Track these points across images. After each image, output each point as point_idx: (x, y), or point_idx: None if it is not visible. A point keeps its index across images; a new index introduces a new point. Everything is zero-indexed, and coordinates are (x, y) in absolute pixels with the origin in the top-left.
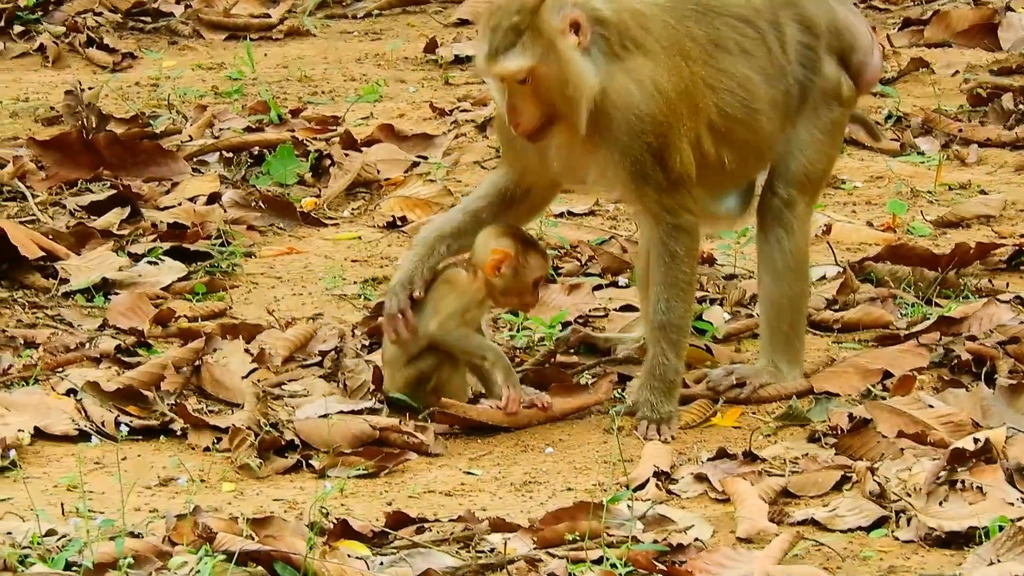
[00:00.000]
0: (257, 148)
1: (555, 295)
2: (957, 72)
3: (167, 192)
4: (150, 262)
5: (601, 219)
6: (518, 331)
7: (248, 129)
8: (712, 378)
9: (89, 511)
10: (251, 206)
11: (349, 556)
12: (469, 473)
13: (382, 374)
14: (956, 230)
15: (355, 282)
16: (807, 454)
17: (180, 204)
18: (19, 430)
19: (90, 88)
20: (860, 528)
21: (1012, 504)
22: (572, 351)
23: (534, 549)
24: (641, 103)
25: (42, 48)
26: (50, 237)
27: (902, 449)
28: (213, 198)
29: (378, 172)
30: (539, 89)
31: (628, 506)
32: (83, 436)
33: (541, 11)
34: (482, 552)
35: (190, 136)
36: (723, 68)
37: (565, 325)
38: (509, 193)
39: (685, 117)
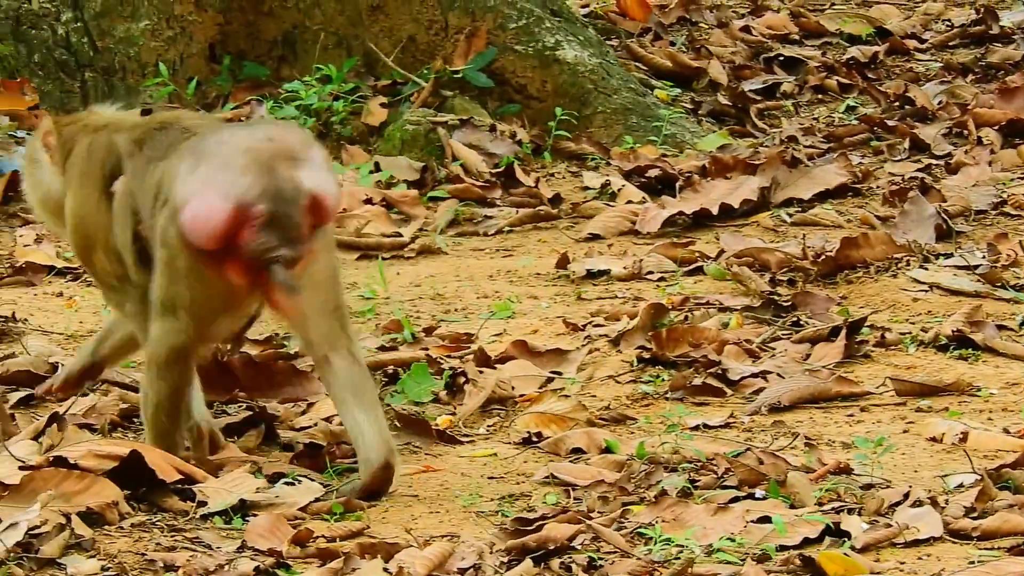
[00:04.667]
0: (392, 367)
1: (698, 514)
2: None
3: (302, 413)
4: (287, 483)
5: (736, 431)
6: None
7: (382, 348)
8: None
9: None
10: None
11: None
12: None
13: None
14: None
15: (492, 499)
16: None
17: (315, 424)
18: None
19: None
20: None
21: None
22: None
23: None
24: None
25: None
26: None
27: None
28: None
29: (513, 388)
30: None
31: None
32: None
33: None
34: None
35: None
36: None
37: None
38: None
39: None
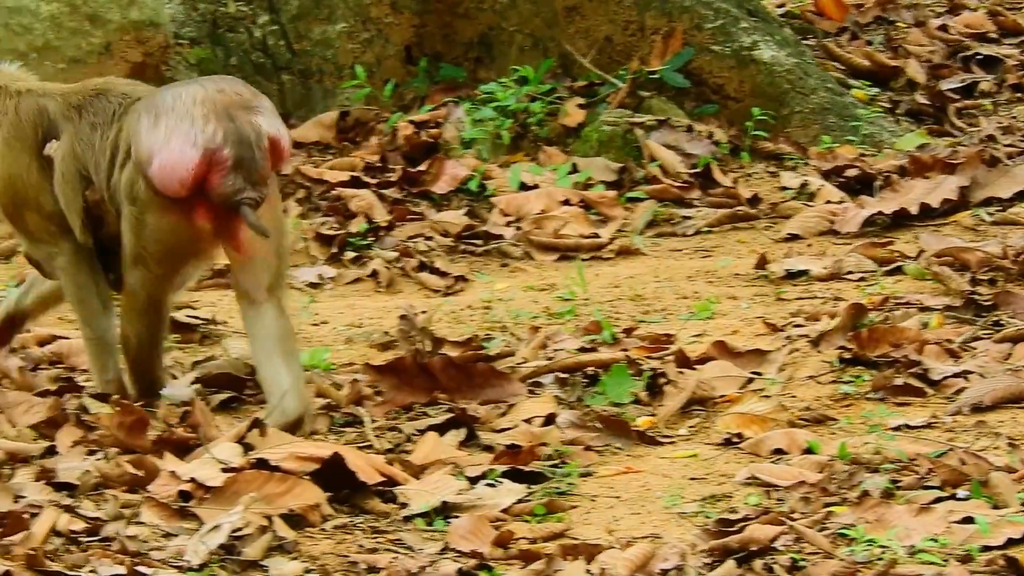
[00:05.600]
0: (591, 368)
1: (901, 515)
2: None
3: (503, 414)
4: (488, 484)
5: (938, 431)
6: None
7: (582, 349)
8: None
9: None
10: (587, 426)
11: None
12: None
13: None
14: None
15: (694, 500)
16: None
17: (516, 426)
18: None
19: (423, 312)
20: None
21: None
22: None
23: None
24: None
25: (375, 273)
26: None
27: None
28: (549, 419)
29: (713, 389)
30: None
31: None
32: None
33: None
34: None
35: (524, 358)
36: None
37: None
38: None
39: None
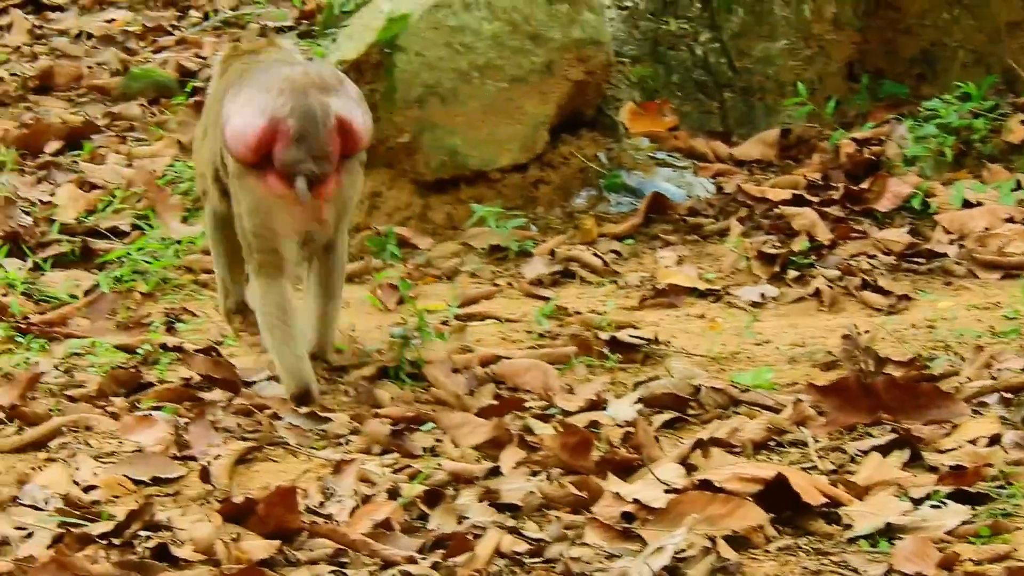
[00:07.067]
0: None
1: None
2: None
3: (947, 435)
4: (933, 505)
5: None
6: None
7: None
8: None
9: None
10: None
11: None
12: None
13: None
14: None
15: None
16: None
17: (961, 446)
18: None
19: (867, 331)
20: None
21: None
22: None
23: None
24: None
25: (817, 292)
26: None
27: None
28: (994, 439)
29: None
30: None
31: None
32: None
33: None
34: None
35: (968, 377)
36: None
37: None
38: None
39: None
